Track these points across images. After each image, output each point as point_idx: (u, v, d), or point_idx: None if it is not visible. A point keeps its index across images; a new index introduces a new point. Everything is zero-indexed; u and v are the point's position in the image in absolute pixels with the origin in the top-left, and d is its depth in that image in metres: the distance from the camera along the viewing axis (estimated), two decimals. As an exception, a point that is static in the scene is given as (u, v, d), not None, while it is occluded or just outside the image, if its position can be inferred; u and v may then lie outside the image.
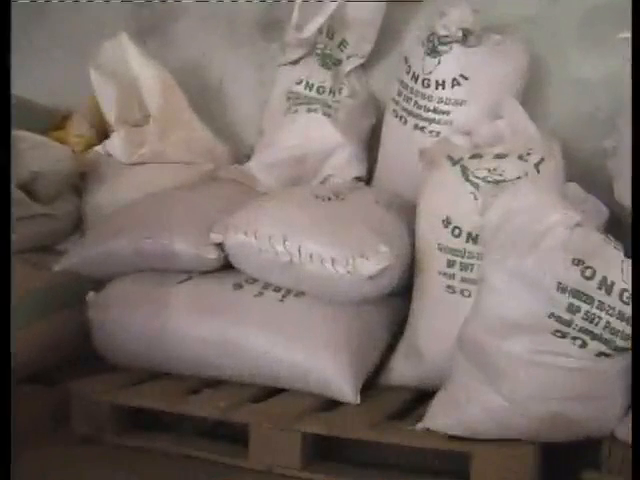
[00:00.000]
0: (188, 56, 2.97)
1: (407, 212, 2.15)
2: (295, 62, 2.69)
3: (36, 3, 3.12)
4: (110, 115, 2.67)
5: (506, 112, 2.18)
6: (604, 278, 1.62)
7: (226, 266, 2.13)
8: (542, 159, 1.96)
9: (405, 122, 2.43)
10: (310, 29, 2.57)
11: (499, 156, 1.97)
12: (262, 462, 1.87)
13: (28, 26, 3.09)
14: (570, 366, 1.67)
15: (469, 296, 1.93)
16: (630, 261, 1.63)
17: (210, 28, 2.95)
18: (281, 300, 2.06)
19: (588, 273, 1.62)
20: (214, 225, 2.11)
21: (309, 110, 2.60)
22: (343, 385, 1.96)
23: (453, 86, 2.34)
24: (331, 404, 1.97)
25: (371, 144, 2.66)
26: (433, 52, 2.35)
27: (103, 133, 2.73)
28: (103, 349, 2.20)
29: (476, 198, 1.92)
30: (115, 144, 2.64)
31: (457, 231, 1.95)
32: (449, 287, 1.98)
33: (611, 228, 2.06)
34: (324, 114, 2.58)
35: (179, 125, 2.70)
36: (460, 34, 2.32)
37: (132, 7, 3.04)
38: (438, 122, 2.36)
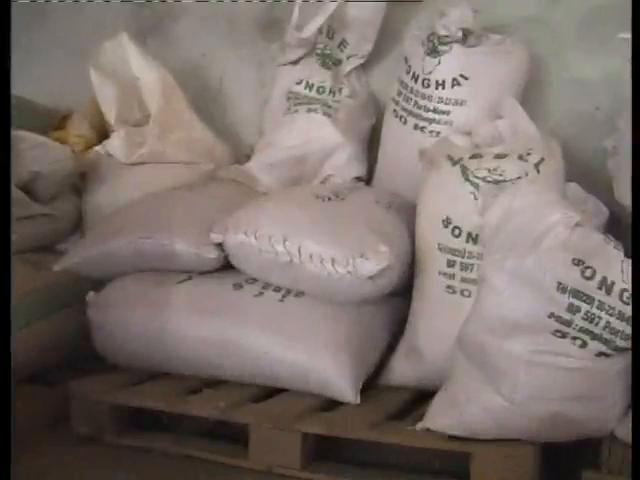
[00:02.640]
0: (188, 56, 2.97)
1: (407, 212, 2.15)
2: (295, 62, 2.69)
3: (36, 3, 3.12)
4: (110, 115, 2.67)
5: (506, 112, 2.18)
6: (604, 278, 1.62)
7: (226, 266, 2.12)
8: (542, 159, 1.96)
9: (405, 122, 2.43)
10: (310, 29, 2.57)
11: (499, 156, 1.97)
12: (262, 462, 1.87)
13: (28, 26, 3.09)
14: (570, 366, 1.66)
15: (469, 296, 1.93)
16: (630, 261, 1.63)
17: (210, 28, 2.95)
18: (281, 300, 2.06)
19: (588, 273, 1.62)
20: (214, 225, 2.10)
21: (309, 110, 2.60)
22: (343, 385, 1.96)
23: (453, 86, 2.34)
24: (331, 404, 1.97)
25: (371, 144, 2.66)
26: (433, 52, 2.35)
27: (103, 133, 2.73)
28: (103, 349, 2.20)
29: (476, 198, 1.92)
30: (115, 144, 2.64)
31: (457, 231, 1.95)
32: (449, 287, 1.98)
33: (611, 228, 2.06)
34: (324, 114, 2.57)
35: (179, 125, 2.70)
36: (460, 34, 2.33)
37: (132, 7, 3.04)
38: (438, 122, 2.36)
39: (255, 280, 2.10)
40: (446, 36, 2.33)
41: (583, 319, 1.63)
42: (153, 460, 1.93)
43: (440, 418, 1.80)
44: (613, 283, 1.62)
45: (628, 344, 1.62)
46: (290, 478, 1.84)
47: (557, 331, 1.65)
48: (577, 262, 1.63)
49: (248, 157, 2.71)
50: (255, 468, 1.87)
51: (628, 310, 1.61)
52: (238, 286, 2.10)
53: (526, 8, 2.56)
